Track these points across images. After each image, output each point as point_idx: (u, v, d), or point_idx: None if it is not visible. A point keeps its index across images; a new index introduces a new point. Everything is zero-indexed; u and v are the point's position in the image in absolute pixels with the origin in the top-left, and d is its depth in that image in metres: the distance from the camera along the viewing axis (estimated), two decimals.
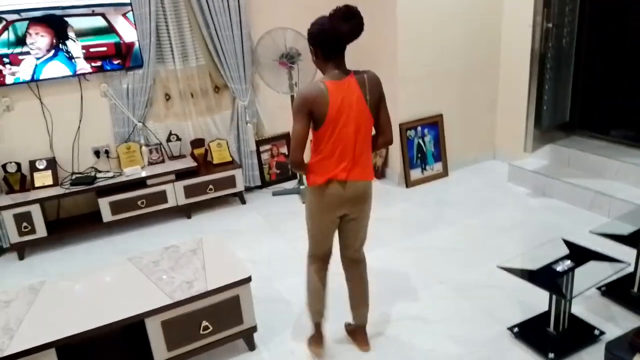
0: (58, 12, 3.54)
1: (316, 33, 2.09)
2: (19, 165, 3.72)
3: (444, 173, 4.56)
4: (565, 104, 4.13)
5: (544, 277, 2.34)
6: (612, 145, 3.95)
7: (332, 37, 2.04)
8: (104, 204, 3.79)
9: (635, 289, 2.70)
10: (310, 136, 2.18)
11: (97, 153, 4.02)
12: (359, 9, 2.04)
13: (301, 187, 4.33)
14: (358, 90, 2.11)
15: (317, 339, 2.48)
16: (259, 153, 4.53)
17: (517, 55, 4.32)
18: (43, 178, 3.79)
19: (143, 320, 2.21)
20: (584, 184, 3.73)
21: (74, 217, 4.01)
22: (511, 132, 4.58)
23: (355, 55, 4.67)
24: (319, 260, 2.40)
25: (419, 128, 4.40)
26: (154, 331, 2.24)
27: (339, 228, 2.36)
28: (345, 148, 2.15)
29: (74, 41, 3.65)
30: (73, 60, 3.68)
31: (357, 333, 2.54)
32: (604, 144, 4.01)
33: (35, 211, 3.61)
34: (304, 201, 4.12)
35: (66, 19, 3.57)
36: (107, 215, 3.82)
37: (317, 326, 2.47)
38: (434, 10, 4.13)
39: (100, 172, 3.97)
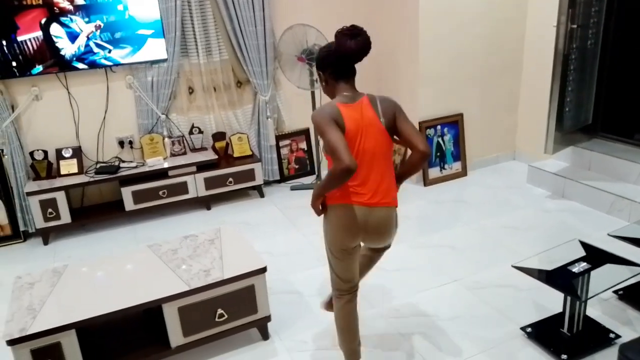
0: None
1: (324, 56, 2.04)
2: (45, 153, 3.83)
3: (463, 172, 4.55)
4: (589, 106, 4.07)
5: (559, 278, 2.34)
6: (635, 149, 3.89)
7: (340, 55, 1.97)
8: (126, 193, 3.88)
9: None
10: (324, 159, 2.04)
11: (121, 143, 4.11)
12: (364, 29, 1.97)
13: (319, 182, 4.35)
14: (371, 110, 2.00)
15: None
16: (278, 148, 4.58)
17: (541, 55, 4.28)
18: (69, 166, 3.90)
19: (161, 306, 2.27)
20: (605, 187, 3.69)
21: (97, 205, 4.12)
22: (532, 133, 4.55)
23: (377, 55, 4.70)
24: (346, 291, 2.19)
25: (439, 127, 4.39)
26: (171, 317, 2.31)
27: (354, 260, 2.17)
28: (367, 169, 2.01)
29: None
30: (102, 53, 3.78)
31: None
32: (627, 147, 3.94)
33: (61, 198, 3.72)
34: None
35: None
36: (129, 204, 3.92)
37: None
38: (456, 9, 4.12)
39: (123, 162, 4.07)
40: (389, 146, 2.05)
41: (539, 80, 4.35)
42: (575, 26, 3.61)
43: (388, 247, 2.31)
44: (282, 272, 3.20)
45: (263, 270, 2.45)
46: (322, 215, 2.12)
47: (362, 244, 2.18)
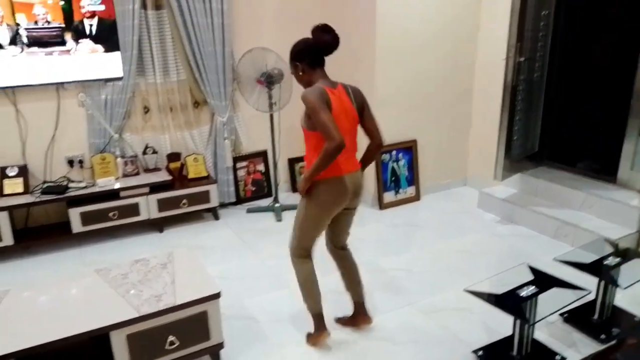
0: None
1: (301, 47, 2.39)
2: None
3: (417, 197, 4.64)
4: (535, 135, 4.27)
5: (509, 302, 2.40)
6: (579, 177, 4.09)
7: (317, 46, 2.35)
8: (74, 214, 3.74)
9: (596, 316, 2.78)
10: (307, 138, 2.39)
11: (70, 162, 3.97)
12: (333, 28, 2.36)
13: (276, 205, 4.34)
14: (347, 97, 2.39)
15: (323, 328, 2.59)
16: (235, 169, 4.54)
17: (490, 85, 4.47)
18: (13, 185, 3.72)
19: (108, 333, 2.18)
20: (551, 213, 3.85)
21: (43, 227, 3.94)
22: (482, 160, 4.71)
23: (334, 79, 4.75)
24: (309, 253, 2.56)
25: (394, 152, 4.48)
26: (119, 345, 2.21)
27: (338, 220, 2.56)
28: (347, 145, 2.31)
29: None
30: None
31: (359, 311, 2.74)
32: (571, 175, 4.14)
33: (3, 218, 3.54)
34: (279, 219, 4.16)
35: None
36: (77, 226, 3.77)
37: (321, 316, 2.59)
38: (411, 39, 4.26)
39: (72, 181, 3.92)
40: (356, 127, 2.46)
41: (488, 109, 4.53)
42: (522, 59, 3.80)
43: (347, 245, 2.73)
44: (237, 297, 3.14)
45: (217, 295, 2.39)
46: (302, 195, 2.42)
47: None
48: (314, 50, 2.36)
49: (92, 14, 3.69)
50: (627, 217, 3.55)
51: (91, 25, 3.71)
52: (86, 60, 3.75)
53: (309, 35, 2.38)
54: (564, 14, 4.11)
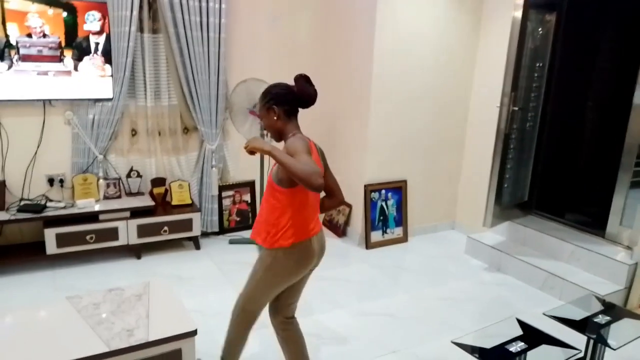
0: None
1: (283, 93, 2.18)
2: None
3: (404, 238, 4.58)
4: (525, 184, 4.26)
5: (497, 357, 2.31)
6: (567, 228, 4.07)
7: (301, 97, 2.18)
8: (50, 234, 3.59)
9: None
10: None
11: (51, 181, 3.85)
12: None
13: None
14: (317, 153, 2.24)
15: None
16: (220, 198, 4.44)
17: (483, 133, 4.48)
18: None
19: None
20: (538, 264, 3.80)
21: (15, 246, 3.77)
22: (470, 206, 4.68)
23: (328, 116, 4.75)
24: (254, 318, 2.37)
25: (383, 191, 4.43)
26: None
27: (294, 285, 2.33)
28: (315, 204, 2.25)
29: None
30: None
31: None
32: (559, 226, 4.12)
33: None
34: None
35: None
36: (51, 247, 3.62)
37: None
38: (406, 86, 4.27)
39: (51, 201, 3.79)
40: None
41: (478, 156, 4.53)
42: (516, 108, 3.82)
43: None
44: (214, 334, 2.99)
45: (193, 333, 2.26)
46: (264, 256, 2.23)
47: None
48: (296, 99, 2.18)
49: (101, 30, 3.60)
50: (615, 272, 3.52)
51: (97, 44, 3.63)
52: (86, 80, 3.67)
53: (299, 71, 2.21)
54: (557, 67, 4.17)
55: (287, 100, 2.18)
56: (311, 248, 2.20)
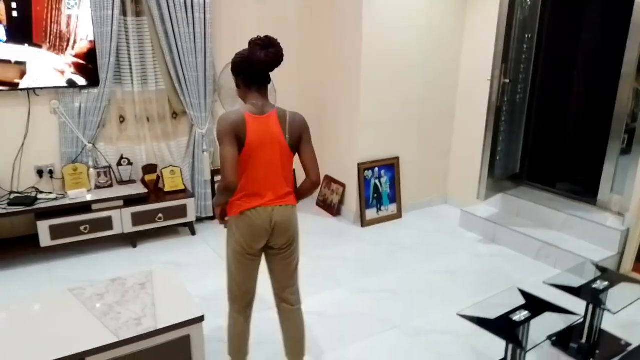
0: None
1: (238, 61, 2.11)
2: None
3: (398, 215, 4.60)
4: (517, 156, 4.29)
5: (502, 327, 2.35)
6: (559, 198, 4.12)
7: (249, 63, 2.04)
8: (43, 227, 3.54)
9: (584, 340, 2.76)
10: None
11: (40, 173, 3.77)
12: (279, 41, 2.05)
13: None
14: (278, 127, 2.10)
15: None
16: (213, 183, 4.41)
17: (471, 106, 4.49)
18: None
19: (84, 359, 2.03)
20: (532, 234, 3.85)
21: (7, 240, 3.71)
22: (462, 179, 4.72)
23: (319, 98, 4.71)
24: (240, 303, 2.30)
25: (376, 169, 4.44)
26: None
27: (271, 265, 2.30)
28: (267, 178, 2.12)
29: None
30: None
31: None
32: (552, 196, 4.17)
33: None
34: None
35: None
36: (45, 240, 3.56)
37: None
38: (396, 59, 4.24)
39: (42, 192, 3.72)
40: (290, 159, 2.18)
41: (468, 129, 4.55)
42: (507, 80, 3.82)
43: (294, 251, 2.29)
44: (213, 317, 2.98)
45: (200, 319, 2.26)
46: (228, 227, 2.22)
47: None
48: (248, 67, 2.06)
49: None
50: (608, 238, 3.59)
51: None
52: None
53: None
54: (545, 38, 4.17)
55: (243, 68, 2.09)
56: (249, 219, 2.11)
